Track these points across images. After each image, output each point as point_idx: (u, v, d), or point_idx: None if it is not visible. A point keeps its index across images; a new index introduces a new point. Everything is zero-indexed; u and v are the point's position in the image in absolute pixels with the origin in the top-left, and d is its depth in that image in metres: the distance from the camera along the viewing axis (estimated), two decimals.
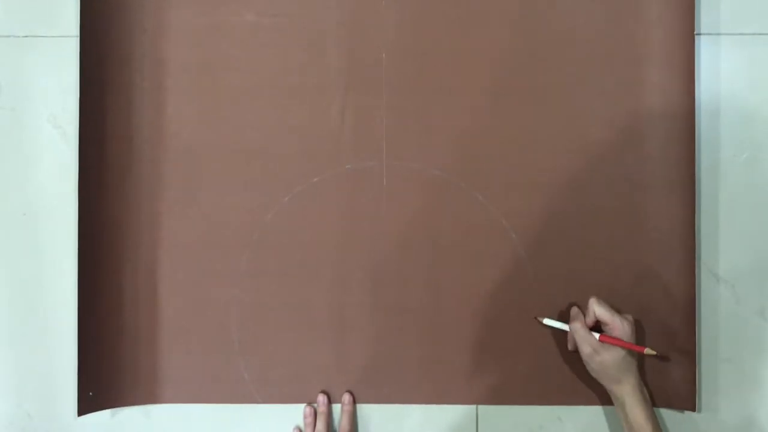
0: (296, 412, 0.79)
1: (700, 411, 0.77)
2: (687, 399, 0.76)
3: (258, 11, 0.78)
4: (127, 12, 0.77)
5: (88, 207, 0.76)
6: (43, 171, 0.78)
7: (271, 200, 0.78)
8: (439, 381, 0.78)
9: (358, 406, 0.79)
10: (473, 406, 0.78)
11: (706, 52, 0.79)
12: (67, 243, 0.77)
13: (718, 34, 0.79)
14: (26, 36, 0.78)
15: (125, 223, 0.77)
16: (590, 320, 0.74)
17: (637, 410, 0.71)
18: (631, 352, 0.72)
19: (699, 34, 0.78)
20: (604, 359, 0.72)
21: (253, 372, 0.78)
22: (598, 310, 0.73)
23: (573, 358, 0.77)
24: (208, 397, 0.78)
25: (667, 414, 0.78)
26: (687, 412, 0.77)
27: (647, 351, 0.72)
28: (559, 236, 0.78)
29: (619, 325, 0.72)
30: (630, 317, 0.74)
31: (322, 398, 0.78)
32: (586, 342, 0.73)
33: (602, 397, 0.77)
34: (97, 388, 0.76)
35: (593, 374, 0.74)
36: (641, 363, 0.75)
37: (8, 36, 0.78)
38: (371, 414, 0.79)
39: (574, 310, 0.76)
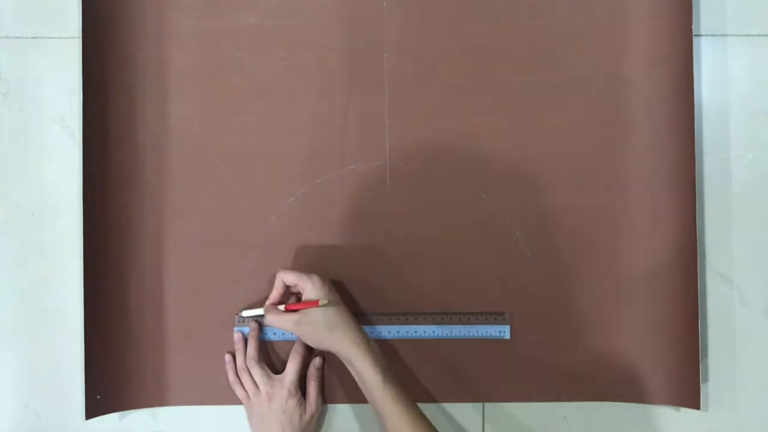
0: None
1: (706, 410, 0.77)
2: (691, 397, 0.75)
3: (260, 14, 0.78)
4: (129, 14, 0.77)
5: (92, 211, 0.76)
6: (51, 171, 0.79)
7: (275, 202, 0.78)
8: (446, 379, 0.78)
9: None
10: (480, 405, 0.78)
11: (712, 54, 0.79)
12: (76, 243, 0.77)
13: (725, 35, 0.79)
14: (34, 37, 0.79)
15: (130, 225, 0.77)
16: (278, 293, 0.74)
17: (365, 364, 0.70)
18: (338, 308, 0.72)
19: (705, 35, 0.78)
20: (310, 321, 0.72)
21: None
22: (286, 276, 0.74)
23: (578, 354, 0.77)
24: (216, 399, 0.78)
25: (672, 413, 0.78)
26: (692, 411, 0.76)
27: (321, 302, 0.72)
28: (563, 235, 0.78)
29: (309, 285, 0.72)
30: (315, 275, 0.73)
31: (253, 324, 0.77)
32: (284, 321, 0.73)
33: (610, 392, 0.77)
34: (105, 392, 0.76)
35: (318, 346, 0.74)
36: (646, 358, 0.75)
37: (17, 37, 0.79)
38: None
39: (266, 306, 0.76)
